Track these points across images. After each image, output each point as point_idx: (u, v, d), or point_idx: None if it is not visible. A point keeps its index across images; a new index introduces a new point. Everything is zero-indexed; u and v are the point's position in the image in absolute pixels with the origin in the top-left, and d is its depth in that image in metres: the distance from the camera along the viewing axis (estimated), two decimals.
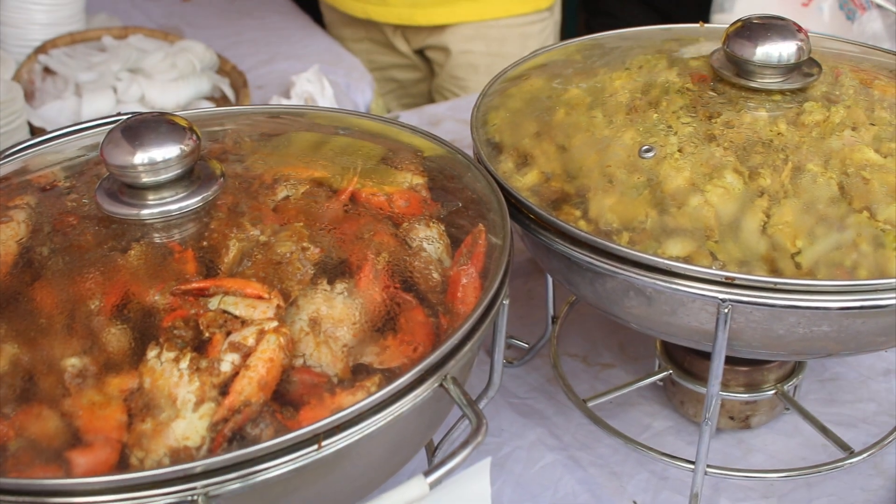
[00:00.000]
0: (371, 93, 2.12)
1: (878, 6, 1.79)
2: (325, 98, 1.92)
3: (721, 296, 0.87)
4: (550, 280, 1.26)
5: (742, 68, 1.05)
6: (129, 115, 0.96)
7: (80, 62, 2.00)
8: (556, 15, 2.34)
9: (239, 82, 1.96)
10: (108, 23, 2.29)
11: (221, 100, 1.94)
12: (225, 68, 2.03)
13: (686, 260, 0.91)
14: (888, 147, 0.98)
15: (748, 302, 0.87)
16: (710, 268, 0.88)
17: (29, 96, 1.89)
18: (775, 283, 0.86)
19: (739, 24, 1.06)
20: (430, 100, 2.39)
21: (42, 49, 2.03)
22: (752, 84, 1.04)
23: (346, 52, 2.26)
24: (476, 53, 2.22)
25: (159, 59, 1.95)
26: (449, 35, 2.22)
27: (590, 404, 1.18)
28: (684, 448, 1.20)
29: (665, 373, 1.20)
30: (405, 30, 2.27)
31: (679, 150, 0.99)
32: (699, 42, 1.16)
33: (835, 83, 1.07)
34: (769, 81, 1.04)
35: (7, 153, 1.09)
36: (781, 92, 1.04)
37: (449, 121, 1.87)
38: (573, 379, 1.28)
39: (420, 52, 2.33)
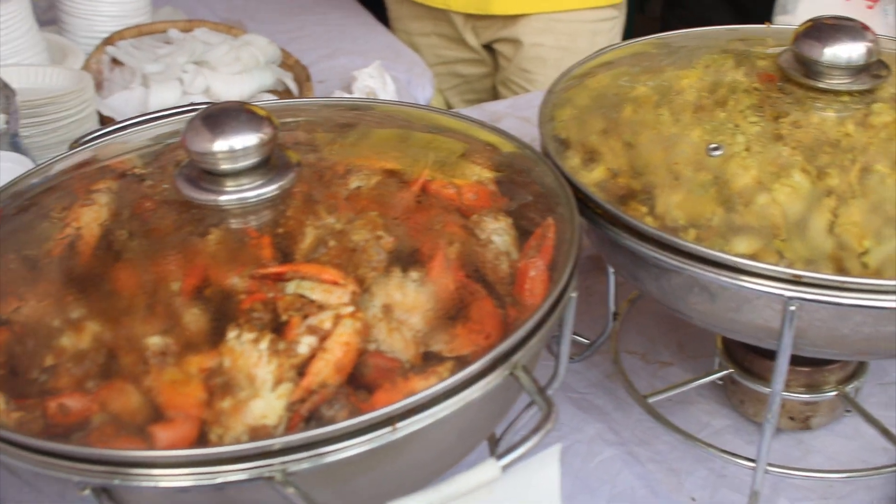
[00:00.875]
0: (431, 89, 2.14)
1: None
2: (386, 93, 1.94)
3: (787, 293, 0.88)
4: (612, 277, 1.27)
5: (810, 69, 1.05)
6: (204, 105, 0.99)
7: (146, 54, 2.03)
8: (624, 15, 2.35)
9: (302, 76, 1.99)
10: (173, 16, 2.33)
11: (284, 93, 1.97)
12: (288, 62, 2.06)
13: (752, 257, 0.91)
14: None
15: (814, 300, 0.88)
16: (776, 265, 0.89)
17: (97, 86, 1.93)
18: (842, 282, 0.87)
19: (809, 24, 1.06)
20: (494, 95, 2.40)
21: (110, 40, 2.07)
22: (820, 85, 1.05)
23: (406, 49, 2.29)
24: (546, 47, 2.23)
25: (224, 52, 1.98)
26: (520, 27, 2.23)
27: (650, 400, 1.19)
28: (743, 447, 1.20)
29: (726, 371, 1.20)
30: (476, 22, 2.29)
31: (746, 149, 0.99)
32: (766, 42, 1.17)
33: None
34: (837, 82, 1.05)
35: (82, 141, 1.13)
36: (850, 93, 1.04)
37: (510, 118, 1.88)
38: (632, 376, 1.29)
39: (487, 47, 2.35)
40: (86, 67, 1.96)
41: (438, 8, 2.29)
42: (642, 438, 1.23)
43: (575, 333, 1.33)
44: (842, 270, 0.91)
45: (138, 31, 2.12)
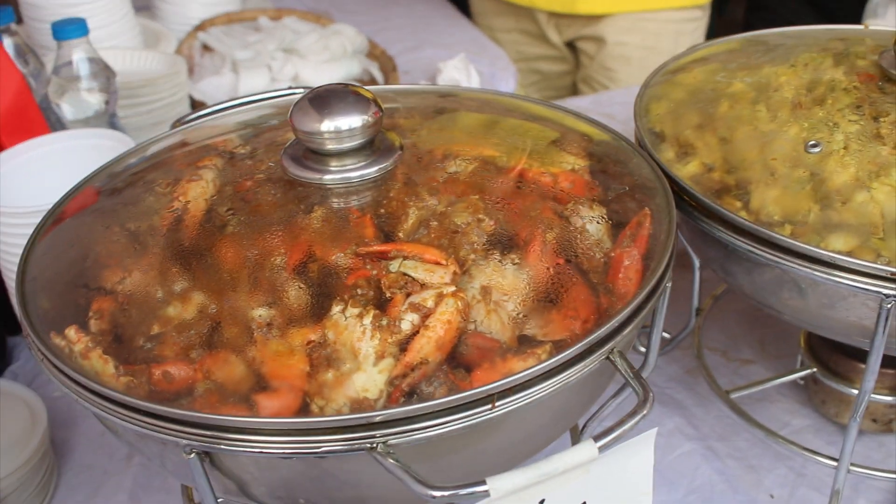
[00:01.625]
0: (514, 83, 2.15)
1: None
2: (471, 85, 1.96)
3: (885, 291, 0.88)
4: (697, 273, 1.28)
5: None
6: (301, 89, 1.01)
7: (236, 41, 2.07)
8: (708, 16, 2.35)
9: (388, 66, 2.01)
10: (262, 4, 2.37)
11: (371, 82, 1.99)
12: (374, 52, 2.08)
13: (849, 254, 0.91)
14: None
15: None
16: (874, 262, 0.89)
17: (189, 71, 1.97)
18: None
19: None
20: (574, 92, 2.41)
21: (201, 27, 2.12)
22: None
23: (490, 43, 2.30)
24: (630, 45, 2.24)
25: (313, 41, 2.02)
26: (605, 26, 2.24)
27: (731, 396, 1.20)
28: (823, 447, 1.20)
29: (809, 370, 1.20)
30: (559, 20, 2.30)
31: (845, 147, 0.99)
32: (865, 43, 1.16)
33: None
34: None
35: (185, 120, 1.16)
36: None
37: (593, 114, 1.88)
38: (712, 372, 1.29)
39: (569, 44, 2.36)
40: (178, 52, 2.01)
41: (523, 6, 2.30)
42: (721, 434, 1.24)
43: None
44: None
45: (228, 19, 2.16)
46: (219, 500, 0.82)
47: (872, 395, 1.16)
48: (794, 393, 1.29)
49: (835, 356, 1.18)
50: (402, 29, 2.35)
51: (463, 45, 2.24)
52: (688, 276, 1.30)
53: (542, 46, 2.39)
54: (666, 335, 1.34)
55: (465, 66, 2.00)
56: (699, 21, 2.30)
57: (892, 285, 0.88)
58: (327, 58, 1.97)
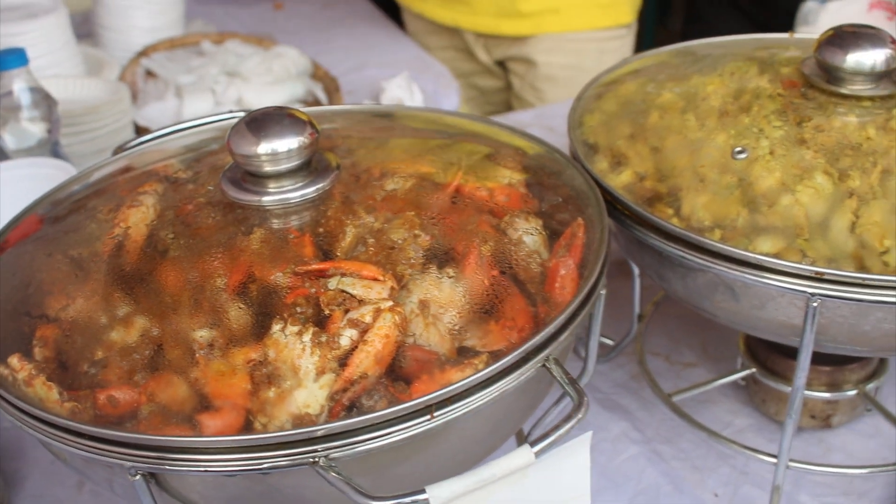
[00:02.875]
0: (458, 99, 2.18)
1: None
2: (414, 103, 1.98)
3: (810, 290, 0.91)
4: (637, 280, 1.31)
5: (833, 75, 1.08)
6: (242, 112, 1.03)
7: (179, 66, 2.08)
8: (633, 34, 2.39)
9: (332, 87, 2.03)
10: (205, 29, 2.38)
11: (314, 103, 2.01)
12: (318, 73, 2.10)
13: (776, 256, 0.94)
14: None
15: (836, 297, 0.91)
16: (800, 263, 0.92)
17: (132, 97, 1.98)
18: (863, 279, 0.90)
19: (831, 32, 1.09)
20: (508, 108, 2.44)
21: (144, 53, 2.13)
22: (843, 90, 1.08)
23: (433, 60, 2.33)
24: (556, 66, 2.28)
25: (256, 64, 2.03)
26: (530, 47, 2.28)
27: (674, 399, 1.22)
28: (765, 445, 1.23)
29: (748, 371, 1.23)
30: (487, 40, 2.33)
31: (770, 153, 1.03)
32: (789, 50, 1.20)
33: None
34: (859, 88, 1.08)
35: (125, 147, 1.17)
36: (871, 98, 1.07)
37: (535, 127, 1.91)
38: (656, 377, 1.32)
39: (500, 63, 2.39)
40: (121, 79, 2.01)
41: (450, 26, 2.33)
42: (666, 437, 1.26)
43: (602, 336, 1.37)
44: (863, 269, 0.94)
45: (171, 44, 2.17)
46: None
47: (810, 392, 1.20)
48: (735, 394, 1.32)
49: (772, 356, 1.21)
50: (345, 49, 2.37)
51: (406, 64, 2.26)
52: (630, 284, 1.33)
53: (475, 63, 2.42)
54: (610, 342, 1.37)
55: (407, 84, 2.02)
56: (624, 39, 2.34)
57: (818, 284, 0.91)
58: (271, 80, 1.99)
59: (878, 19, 1.94)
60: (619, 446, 1.25)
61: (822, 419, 1.24)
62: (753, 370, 1.23)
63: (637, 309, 1.32)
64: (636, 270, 1.29)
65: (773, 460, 1.12)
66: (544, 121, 1.97)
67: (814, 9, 2.06)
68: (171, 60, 2.09)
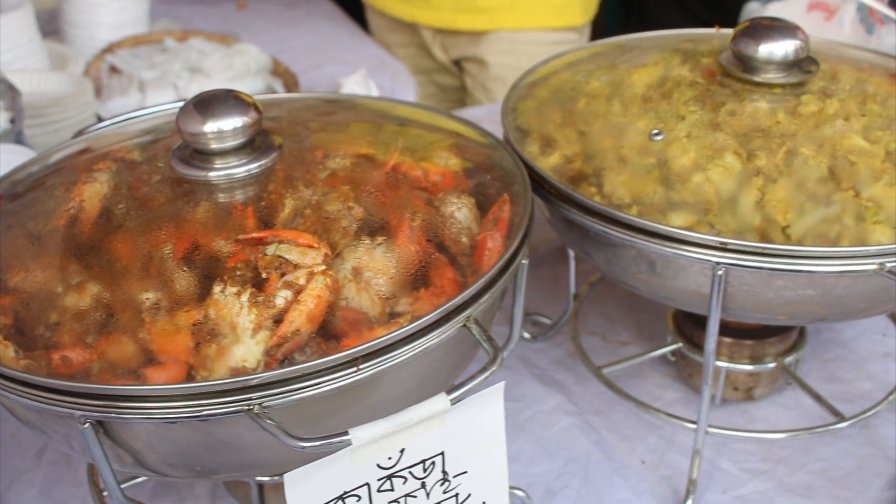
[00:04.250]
0: (414, 96, 2.24)
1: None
2: None
3: (715, 259, 0.99)
4: (573, 262, 1.38)
5: (747, 64, 1.16)
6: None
7: (143, 62, 2.14)
8: (586, 38, 2.46)
9: (291, 82, 2.10)
10: (170, 27, 2.44)
11: None
12: (278, 70, 2.16)
13: (688, 229, 1.02)
14: (876, 135, 1.09)
15: (739, 265, 0.98)
16: (706, 234, 0.99)
17: (97, 92, 2.04)
18: (764, 248, 0.98)
19: (746, 24, 1.17)
20: (464, 105, 2.52)
21: (108, 49, 2.18)
22: (756, 79, 1.16)
23: (391, 58, 2.40)
24: (507, 67, 2.35)
25: (217, 60, 2.09)
26: (483, 47, 2.36)
27: (604, 371, 1.30)
28: (692, 416, 1.29)
29: (675, 345, 1.31)
30: (444, 38, 2.40)
31: (686, 136, 1.10)
32: (711, 43, 1.27)
33: (833, 80, 1.17)
34: (771, 76, 1.15)
35: (84, 131, 1.23)
36: (782, 86, 1.15)
37: (487, 122, 1.98)
38: (592, 354, 1.39)
39: (457, 63, 2.46)
40: (85, 74, 2.07)
41: (409, 22, 2.40)
42: (599, 409, 1.33)
43: (541, 315, 1.45)
44: (767, 241, 1.01)
45: (135, 41, 2.23)
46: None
47: (732, 365, 1.27)
48: (666, 369, 1.39)
49: (697, 331, 1.28)
50: (306, 47, 2.44)
51: (365, 61, 2.32)
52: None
53: (433, 61, 2.50)
54: (548, 321, 1.44)
55: (364, 80, 2.09)
56: (574, 44, 2.41)
57: (723, 254, 0.99)
58: (231, 76, 2.05)
59: (816, 19, 2.02)
60: (554, 418, 1.32)
61: (744, 391, 1.31)
62: (680, 345, 1.30)
63: (573, 289, 1.40)
64: (571, 252, 1.36)
65: (693, 426, 1.19)
66: (495, 116, 2.03)
67: (756, 9, 2.14)
68: (134, 57, 2.15)
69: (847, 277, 0.99)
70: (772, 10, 2.09)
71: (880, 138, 1.08)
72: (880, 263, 0.97)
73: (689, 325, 1.30)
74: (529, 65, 2.30)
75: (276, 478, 1.03)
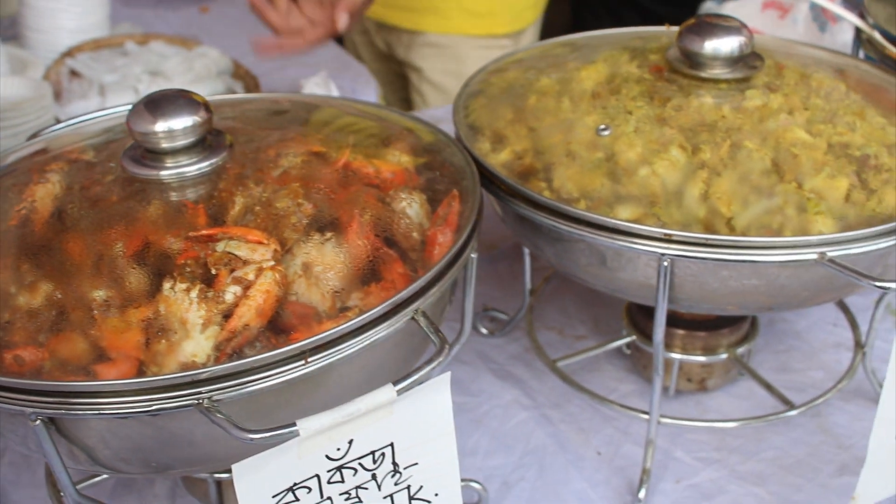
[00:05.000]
0: (375, 97, 2.26)
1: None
2: None
3: (661, 251, 1.01)
4: (528, 257, 1.39)
5: (693, 60, 1.18)
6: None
7: (104, 65, 2.14)
8: (530, 42, 2.45)
9: (252, 84, 2.10)
10: (132, 30, 2.44)
11: None
12: (239, 72, 2.17)
13: (634, 222, 1.04)
14: (818, 128, 1.11)
15: (684, 256, 1.00)
16: (651, 227, 1.01)
17: (57, 96, 2.04)
18: (708, 239, 1.00)
19: (692, 21, 1.19)
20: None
21: (69, 53, 2.18)
22: (702, 74, 1.18)
23: (352, 60, 2.41)
24: (437, 71, 2.37)
25: (178, 63, 2.10)
26: (415, 51, 2.38)
27: (559, 364, 1.31)
28: (646, 408, 1.31)
29: (629, 338, 1.32)
30: (384, 34, 2.45)
31: (633, 130, 1.12)
32: (660, 40, 1.29)
33: (778, 75, 1.19)
34: (717, 72, 1.18)
35: (39, 133, 1.24)
36: (727, 81, 1.17)
37: (446, 122, 2.00)
38: (549, 349, 1.41)
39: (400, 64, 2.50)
40: (45, 78, 2.07)
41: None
42: (555, 402, 1.35)
43: (499, 311, 1.46)
44: (711, 232, 1.03)
45: (96, 45, 2.23)
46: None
47: (686, 357, 1.29)
48: (621, 362, 1.41)
49: (650, 324, 1.29)
50: None
51: (326, 63, 2.33)
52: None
53: (382, 59, 2.52)
54: (505, 316, 1.46)
55: (325, 82, 2.10)
56: (506, 49, 2.35)
57: (668, 245, 1.01)
58: (192, 78, 2.05)
59: (770, 18, 2.06)
60: (511, 412, 1.34)
61: (698, 382, 1.33)
62: (634, 338, 1.32)
63: (528, 284, 1.41)
64: (526, 249, 1.37)
65: (646, 416, 1.21)
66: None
67: (712, 7, 2.17)
68: (95, 60, 2.15)
69: (790, 267, 1.01)
70: (728, 9, 2.13)
71: (822, 131, 1.11)
72: (821, 253, 0.99)
73: (643, 318, 1.32)
74: (459, 69, 2.33)
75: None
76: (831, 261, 0.99)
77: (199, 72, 2.08)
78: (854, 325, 1.42)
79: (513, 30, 2.40)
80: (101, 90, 2.04)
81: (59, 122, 1.88)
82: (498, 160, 1.16)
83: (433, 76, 2.39)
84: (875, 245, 1.01)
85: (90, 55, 2.18)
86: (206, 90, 2.03)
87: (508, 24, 2.39)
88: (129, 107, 1.24)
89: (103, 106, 1.99)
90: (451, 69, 2.35)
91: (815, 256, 0.99)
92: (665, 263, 1.01)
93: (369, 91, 2.26)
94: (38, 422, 0.85)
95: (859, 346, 1.37)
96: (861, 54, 1.53)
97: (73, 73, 2.14)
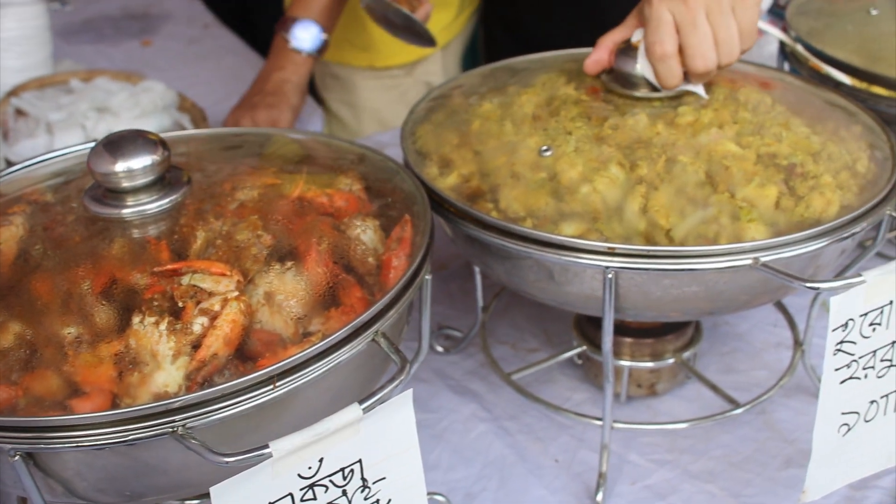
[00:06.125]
0: (321, 124, 2.30)
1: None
2: None
3: (605, 264, 1.06)
4: (479, 276, 1.44)
5: (627, 81, 1.24)
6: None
7: (49, 103, 2.16)
8: (418, 77, 2.41)
9: (198, 117, 2.13)
10: (75, 67, 2.46)
11: None
12: (185, 105, 2.20)
13: (579, 237, 1.09)
14: (747, 140, 1.17)
15: (628, 268, 1.06)
16: (595, 241, 1.06)
17: (4, 136, 2.06)
18: (649, 251, 1.05)
19: (624, 45, 1.25)
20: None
21: (13, 93, 2.20)
22: (636, 94, 1.24)
23: None
24: (337, 101, 2.40)
25: (124, 98, 2.12)
26: (320, 80, 2.41)
27: (514, 377, 1.36)
28: (600, 414, 1.37)
29: (579, 349, 1.38)
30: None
31: (574, 150, 1.17)
32: None
33: (707, 90, 1.26)
34: (649, 91, 1.23)
35: None
36: (660, 99, 1.23)
37: (392, 147, 2.05)
38: (503, 363, 1.46)
39: None
40: None
41: None
42: (512, 414, 1.40)
43: (453, 328, 1.51)
44: (651, 244, 1.09)
45: (40, 83, 2.25)
46: None
47: (635, 363, 1.35)
48: (574, 372, 1.46)
49: (599, 334, 1.34)
50: (211, 82, 2.48)
51: None
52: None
53: None
54: (459, 334, 1.51)
55: None
56: (399, 79, 2.38)
57: (612, 258, 1.06)
58: (138, 113, 2.08)
59: None
60: (469, 425, 1.38)
61: (647, 387, 1.39)
62: (584, 348, 1.37)
63: (480, 301, 1.46)
64: (477, 267, 1.42)
65: (599, 422, 1.26)
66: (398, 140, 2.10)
67: None
68: (40, 99, 2.17)
69: (727, 273, 1.07)
70: None
71: (751, 143, 1.17)
72: (755, 258, 1.05)
73: (592, 329, 1.37)
74: (355, 100, 2.35)
75: (207, 499, 1.07)
76: (765, 265, 1.05)
77: (146, 107, 2.10)
78: (792, 324, 1.49)
79: (403, 62, 2.36)
80: (49, 128, 2.06)
81: (8, 162, 1.91)
82: (446, 184, 1.20)
83: (332, 105, 2.40)
84: (805, 248, 1.07)
85: (35, 93, 2.20)
86: (154, 124, 2.06)
87: (393, 57, 2.34)
88: (83, 147, 1.30)
89: (52, 144, 2.01)
90: (346, 100, 2.36)
91: (749, 262, 1.05)
92: (609, 276, 1.07)
93: (315, 119, 2.30)
94: (17, 457, 0.88)
95: (798, 344, 1.44)
96: (786, 66, 1.60)
97: (19, 112, 2.16)
